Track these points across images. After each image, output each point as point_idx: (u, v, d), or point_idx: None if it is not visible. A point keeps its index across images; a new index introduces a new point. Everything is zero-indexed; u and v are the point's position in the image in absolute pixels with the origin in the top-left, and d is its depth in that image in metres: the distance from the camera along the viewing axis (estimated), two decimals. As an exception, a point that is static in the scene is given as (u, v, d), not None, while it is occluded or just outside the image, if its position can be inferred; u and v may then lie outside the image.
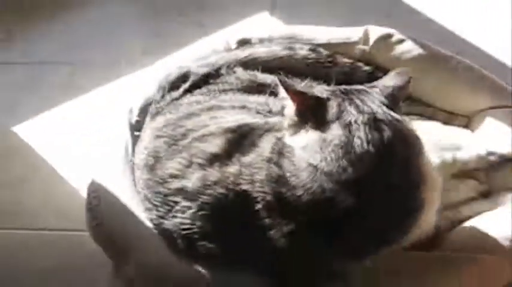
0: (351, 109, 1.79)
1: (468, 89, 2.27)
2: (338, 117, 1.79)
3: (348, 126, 1.76)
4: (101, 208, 2.03)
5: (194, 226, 1.88)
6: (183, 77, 2.28)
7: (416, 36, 2.40)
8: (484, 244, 1.91)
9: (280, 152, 1.83)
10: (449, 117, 2.30)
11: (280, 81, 1.85)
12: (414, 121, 2.11)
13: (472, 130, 2.24)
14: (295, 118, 1.83)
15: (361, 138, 1.74)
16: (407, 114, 2.14)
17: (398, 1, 2.84)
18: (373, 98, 1.82)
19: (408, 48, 2.35)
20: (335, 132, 1.77)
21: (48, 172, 2.42)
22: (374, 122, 1.76)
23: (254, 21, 2.74)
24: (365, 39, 2.38)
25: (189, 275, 1.89)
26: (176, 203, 1.91)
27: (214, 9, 2.77)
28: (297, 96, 1.82)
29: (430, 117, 2.29)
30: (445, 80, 2.30)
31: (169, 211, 1.93)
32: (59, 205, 2.33)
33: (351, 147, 1.74)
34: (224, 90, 2.22)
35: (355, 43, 2.40)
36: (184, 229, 1.89)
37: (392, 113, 1.79)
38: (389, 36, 2.38)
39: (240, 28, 2.71)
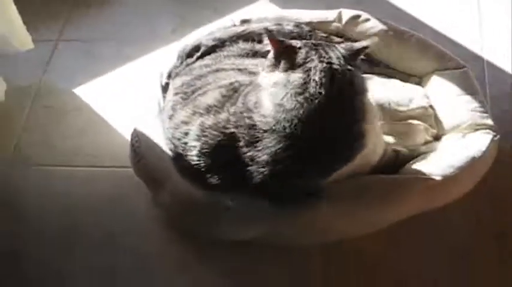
0: (315, 57, 1.87)
1: (418, 56, 2.37)
2: (303, 63, 1.87)
3: (308, 71, 1.85)
4: (141, 148, 2.12)
5: (200, 162, 1.97)
6: (196, 48, 2.34)
7: (380, 17, 2.46)
8: (432, 169, 2.01)
9: (256, 101, 1.90)
10: (405, 77, 2.39)
11: (266, 31, 2.02)
12: (379, 78, 2.30)
13: (423, 87, 2.34)
14: (272, 60, 1.91)
15: (316, 81, 1.83)
16: (372, 73, 2.32)
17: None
18: (336, 52, 1.90)
19: (372, 25, 2.43)
20: (297, 75, 1.86)
21: (102, 124, 2.48)
22: (329, 70, 1.85)
23: (256, 7, 2.77)
24: (339, 18, 2.47)
25: (210, 200, 1.97)
26: (186, 143, 2.00)
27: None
28: (275, 42, 1.91)
29: (391, 77, 2.38)
30: (401, 48, 2.39)
31: (183, 150, 2.01)
32: (110, 148, 2.40)
33: (307, 88, 1.83)
34: (227, 56, 2.27)
35: (331, 22, 2.48)
36: (194, 165, 1.98)
37: (346, 65, 1.87)
38: (358, 16, 2.46)
39: (245, 12, 2.73)
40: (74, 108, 2.55)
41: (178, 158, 2.04)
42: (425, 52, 2.38)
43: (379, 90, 2.23)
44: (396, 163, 2.08)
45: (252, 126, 1.89)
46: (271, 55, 1.93)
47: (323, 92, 1.83)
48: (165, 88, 2.29)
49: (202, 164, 1.97)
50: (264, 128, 1.86)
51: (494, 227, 2.11)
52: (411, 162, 2.08)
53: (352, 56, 1.91)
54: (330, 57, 1.88)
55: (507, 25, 2.65)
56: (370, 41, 1.94)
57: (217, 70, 2.19)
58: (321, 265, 2.07)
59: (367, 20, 2.46)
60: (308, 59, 1.88)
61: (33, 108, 2.56)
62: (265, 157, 1.86)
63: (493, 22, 2.71)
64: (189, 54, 2.34)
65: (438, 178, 1.98)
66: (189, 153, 2.00)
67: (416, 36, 2.41)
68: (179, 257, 2.14)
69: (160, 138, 2.13)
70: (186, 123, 2.04)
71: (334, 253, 2.07)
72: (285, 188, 1.89)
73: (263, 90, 1.91)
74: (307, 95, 1.83)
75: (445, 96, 2.27)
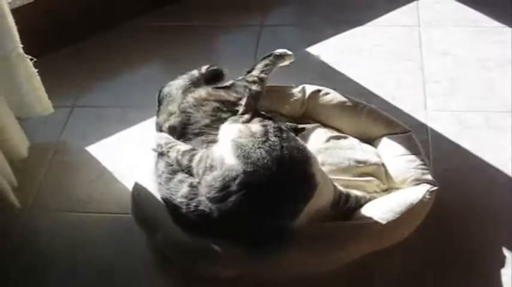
0: (269, 125, 1.90)
1: (370, 123, 2.38)
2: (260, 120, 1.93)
3: (265, 125, 1.89)
4: (140, 199, 2.12)
5: (187, 215, 1.96)
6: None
7: (340, 90, 2.47)
8: (372, 215, 2.02)
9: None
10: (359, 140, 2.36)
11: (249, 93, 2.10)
12: (341, 141, 2.34)
13: (376, 147, 2.35)
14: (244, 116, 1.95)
15: (271, 133, 1.86)
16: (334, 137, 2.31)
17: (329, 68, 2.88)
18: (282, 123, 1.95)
19: (331, 98, 2.44)
20: (258, 128, 1.88)
21: (109, 176, 2.49)
22: (279, 129, 1.89)
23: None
24: (303, 92, 2.47)
25: (196, 244, 1.96)
26: (175, 199, 2.00)
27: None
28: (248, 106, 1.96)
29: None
30: (355, 117, 2.40)
31: (175, 206, 2.01)
32: (116, 197, 2.40)
33: (267, 138, 1.85)
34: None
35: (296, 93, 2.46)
36: (183, 216, 1.99)
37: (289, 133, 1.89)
38: (319, 90, 2.46)
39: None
40: (85, 163, 2.56)
41: (172, 211, 2.03)
42: (376, 120, 2.39)
43: (341, 151, 2.28)
44: (348, 206, 2.08)
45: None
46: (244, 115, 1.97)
47: (279, 141, 1.84)
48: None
49: (190, 216, 1.95)
50: (236, 182, 1.84)
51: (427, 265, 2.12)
52: (361, 208, 2.09)
53: (293, 130, 1.96)
54: (279, 125, 1.93)
55: (448, 95, 2.71)
56: (311, 126, 2.12)
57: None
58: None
59: (327, 93, 2.46)
60: (264, 120, 1.92)
61: (51, 162, 2.57)
62: (231, 207, 1.84)
63: (436, 92, 2.73)
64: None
65: (383, 221, 2.00)
66: (179, 208, 1.99)
67: (369, 107, 2.42)
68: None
69: (156, 191, 2.13)
70: (180, 182, 2.02)
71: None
72: (258, 232, 1.87)
73: (225, 144, 1.90)
74: (269, 142, 1.84)
75: (393, 156, 2.28)
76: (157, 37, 3.08)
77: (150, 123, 2.50)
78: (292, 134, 1.91)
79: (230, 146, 1.86)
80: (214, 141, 1.98)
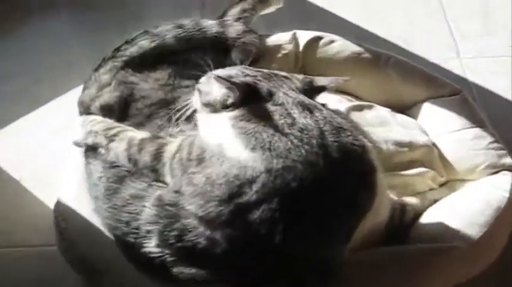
0: (279, 92, 1.36)
1: (402, 82, 1.78)
2: (269, 98, 1.36)
3: (281, 105, 1.34)
4: (69, 231, 1.50)
5: (162, 254, 1.37)
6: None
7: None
8: (450, 233, 1.46)
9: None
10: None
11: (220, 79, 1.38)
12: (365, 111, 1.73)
13: (415, 118, 1.76)
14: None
15: (297, 114, 1.32)
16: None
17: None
18: (291, 85, 1.41)
19: (340, 48, 1.83)
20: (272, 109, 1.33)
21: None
22: (301, 104, 1.34)
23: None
24: (295, 43, 1.86)
25: None
26: (138, 228, 1.40)
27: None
28: (241, 87, 1.36)
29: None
30: (378, 75, 1.80)
31: (136, 238, 1.41)
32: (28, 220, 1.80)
33: (294, 119, 1.30)
34: None
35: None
36: (153, 258, 1.39)
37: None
38: (319, 38, 1.85)
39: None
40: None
41: (128, 248, 1.40)
42: (410, 78, 1.78)
43: (370, 129, 1.61)
44: (404, 221, 1.51)
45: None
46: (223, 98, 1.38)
47: (314, 122, 1.31)
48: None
49: (166, 257, 1.33)
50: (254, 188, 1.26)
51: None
52: (422, 219, 1.51)
53: (311, 88, 1.42)
54: (291, 91, 1.38)
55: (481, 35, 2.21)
56: (336, 80, 1.46)
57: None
58: None
59: (332, 41, 1.84)
60: (273, 94, 1.36)
61: None
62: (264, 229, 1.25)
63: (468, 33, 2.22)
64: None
65: (466, 243, 1.41)
66: (145, 242, 1.36)
67: (395, 58, 1.81)
68: None
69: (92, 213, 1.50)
70: (137, 198, 1.39)
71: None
72: (299, 272, 1.29)
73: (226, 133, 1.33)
74: (300, 126, 1.29)
75: (447, 131, 1.68)
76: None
77: (64, 103, 2.01)
78: (331, 108, 1.38)
79: (235, 135, 1.30)
80: (183, 130, 1.46)
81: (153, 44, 1.67)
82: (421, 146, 1.64)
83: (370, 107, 1.73)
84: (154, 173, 1.40)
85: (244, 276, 1.30)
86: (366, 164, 1.32)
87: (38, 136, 2.03)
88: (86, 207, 1.51)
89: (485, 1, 2.32)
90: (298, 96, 1.35)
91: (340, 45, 1.83)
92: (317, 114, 1.32)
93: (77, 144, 1.56)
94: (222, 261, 1.28)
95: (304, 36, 1.86)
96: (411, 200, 1.56)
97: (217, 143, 1.30)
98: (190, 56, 1.68)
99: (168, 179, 1.37)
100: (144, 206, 1.36)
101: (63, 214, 1.51)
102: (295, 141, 1.26)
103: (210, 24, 1.74)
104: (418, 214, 1.52)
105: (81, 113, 1.68)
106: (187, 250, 1.29)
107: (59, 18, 2.41)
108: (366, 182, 1.30)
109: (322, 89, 1.43)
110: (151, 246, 1.34)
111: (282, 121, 1.29)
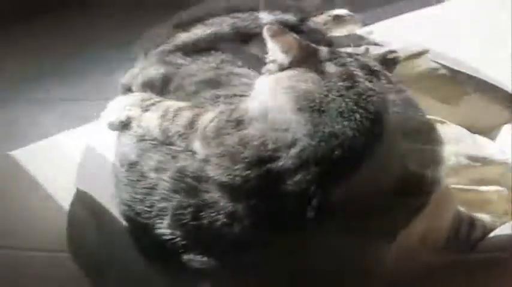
0: (342, 53, 1.23)
1: (485, 104, 1.61)
2: (330, 58, 1.20)
3: (343, 65, 1.18)
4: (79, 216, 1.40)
5: (174, 236, 1.21)
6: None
7: None
8: None
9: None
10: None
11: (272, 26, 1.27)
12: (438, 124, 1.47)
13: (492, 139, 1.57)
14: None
15: (360, 76, 1.15)
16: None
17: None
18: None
19: (415, 63, 1.67)
20: (333, 66, 1.18)
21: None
22: (368, 68, 1.18)
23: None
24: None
25: None
26: (151, 207, 1.24)
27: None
28: (297, 43, 1.23)
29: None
30: (455, 97, 1.64)
31: (148, 218, 1.26)
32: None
33: (355, 81, 1.14)
34: None
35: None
36: (164, 241, 1.23)
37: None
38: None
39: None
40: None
41: (139, 231, 1.24)
42: (493, 97, 1.62)
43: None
44: (471, 237, 1.32)
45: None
46: (279, 58, 1.23)
47: (378, 89, 1.14)
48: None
49: (177, 240, 1.16)
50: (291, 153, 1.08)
51: None
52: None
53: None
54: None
55: None
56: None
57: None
58: None
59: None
60: (335, 54, 1.23)
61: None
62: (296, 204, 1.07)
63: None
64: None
65: None
66: (157, 222, 1.18)
67: (478, 79, 1.64)
68: None
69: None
70: (156, 170, 1.21)
71: None
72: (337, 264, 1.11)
73: (274, 94, 1.16)
74: (359, 89, 1.12)
75: None
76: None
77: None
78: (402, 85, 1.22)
79: (281, 92, 1.15)
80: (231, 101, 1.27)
81: (207, 31, 1.54)
82: (498, 163, 1.44)
83: (442, 123, 1.52)
84: (185, 140, 1.22)
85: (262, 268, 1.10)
86: (433, 152, 1.15)
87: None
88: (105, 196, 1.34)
89: None
90: (366, 60, 1.20)
91: (416, 60, 1.66)
92: (384, 81, 1.16)
93: (111, 125, 1.37)
94: (238, 245, 1.10)
95: (377, 51, 1.63)
96: (483, 216, 1.33)
97: (263, 105, 1.15)
98: (245, 46, 1.53)
99: (197, 147, 1.18)
100: (162, 179, 1.18)
101: (80, 198, 1.39)
102: (351, 104, 1.09)
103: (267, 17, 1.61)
104: (488, 231, 1.31)
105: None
106: (201, 229, 1.11)
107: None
108: (427, 172, 1.11)
109: (395, 61, 1.29)
110: (163, 227, 1.16)
111: (341, 83, 1.13)
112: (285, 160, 1.05)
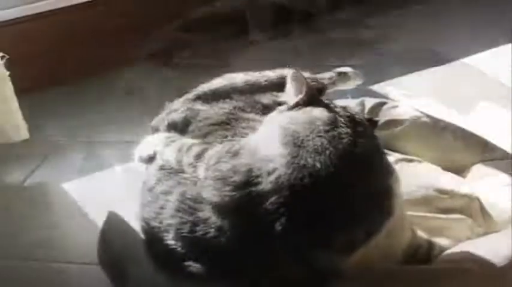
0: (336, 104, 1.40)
1: (460, 146, 1.81)
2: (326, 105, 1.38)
3: (334, 112, 1.36)
4: (110, 232, 1.61)
5: (176, 246, 1.42)
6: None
7: None
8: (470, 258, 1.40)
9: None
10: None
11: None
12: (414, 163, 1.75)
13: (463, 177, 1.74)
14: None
15: (342, 123, 1.33)
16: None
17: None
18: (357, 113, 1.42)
19: (401, 112, 1.88)
20: (323, 111, 1.36)
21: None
22: (353, 120, 1.35)
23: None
24: (362, 107, 1.88)
25: None
26: (161, 222, 1.46)
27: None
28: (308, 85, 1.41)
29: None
30: (438, 138, 1.83)
31: (159, 231, 1.47)
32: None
33: (336, 126, 1.32)
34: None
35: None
36: (170, 250, 1.43)
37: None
38: (383, 103, 1.91)
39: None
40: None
41: (151, 241, 1.45)
42: (469, 143, 1.81)
43: (415, 177, 1.66)
44: (430, 256, 1.47)
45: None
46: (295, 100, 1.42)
47: (352, 133, 1.32)
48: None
49: (178, 249, 1.36)
50: (270, 179, 1.27)
51: None
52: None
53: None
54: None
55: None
56: None
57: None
58: None
59: (394, 107, 1.89)
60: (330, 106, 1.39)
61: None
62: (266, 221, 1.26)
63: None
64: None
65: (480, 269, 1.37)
66: (165, 235, 1.39)
67: (454, 126, 1.85)
68: None
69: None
70: (165, 193, 1.42)
71: None
72: (300, 270, 1.28)
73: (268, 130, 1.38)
74: (335, 133, 1.30)
75: (492, 187, 1.65)
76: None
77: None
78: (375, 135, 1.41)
79: (274, 131, 1.34)
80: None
81: (224, 83, 1.76)
82: (463, 195, 1.60)
83: (420, 162, 1.73)
84: (193, 168, 1.42)
85: (242, 272, 1.30)
86: (388, 188, 1.31)
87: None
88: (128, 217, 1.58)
89: None
90: (353, 112, 1.38)
91: (402, 110, 1.86)
92: (360, 129, 1.33)
93: (141, 159, 1.60)
94: (223, 256, 1.29)
95: (370, 102, 1.91)
96: (442, 240, 1.49)
97: (256, 139, 1.36)
98: (256, 96, 1.74)
99: (201, 172, 1.39)
100: (169, 200, 1.40)
101: (109, 219, 1.61)
102: (325, 143, 1.28)
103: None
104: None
105: None
106: (196, 240, 1.32)
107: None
108: (383, 197, 1.30)
109: (374, 123, 1.46)
110: (169, 239, 1.37)
111: (322, 127, 1.31)
112: (264, 185, 1.25)
